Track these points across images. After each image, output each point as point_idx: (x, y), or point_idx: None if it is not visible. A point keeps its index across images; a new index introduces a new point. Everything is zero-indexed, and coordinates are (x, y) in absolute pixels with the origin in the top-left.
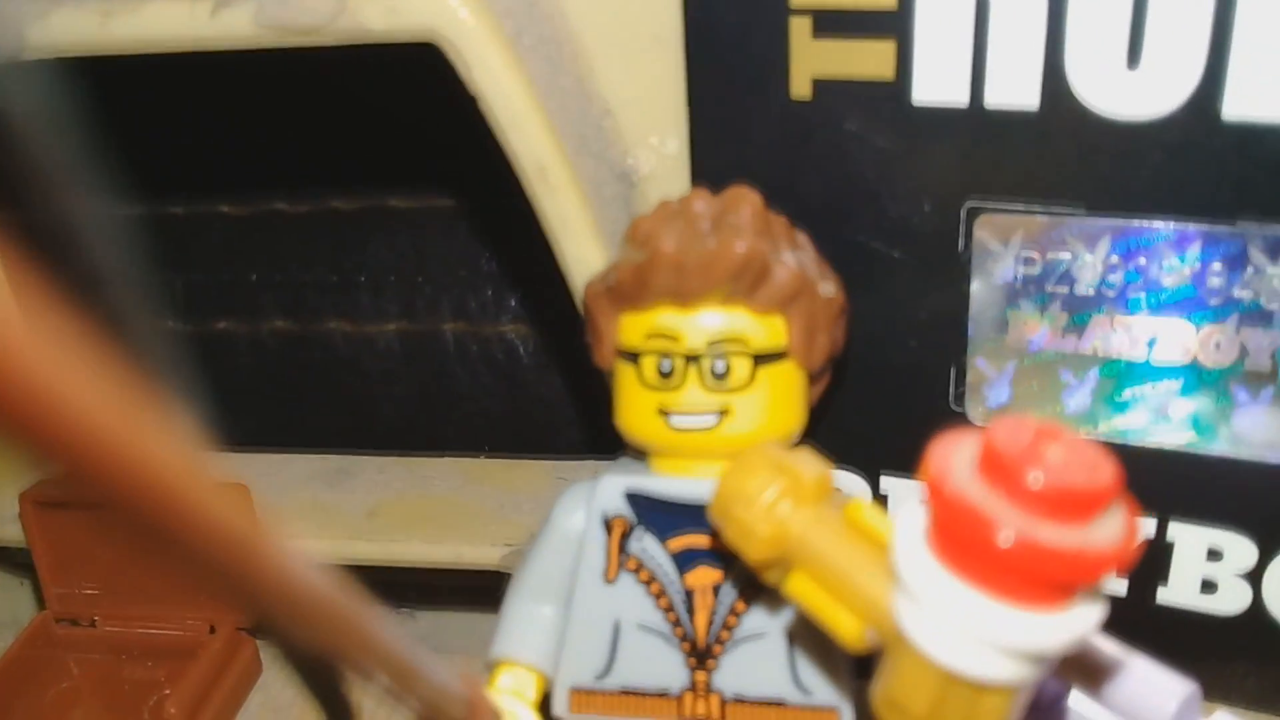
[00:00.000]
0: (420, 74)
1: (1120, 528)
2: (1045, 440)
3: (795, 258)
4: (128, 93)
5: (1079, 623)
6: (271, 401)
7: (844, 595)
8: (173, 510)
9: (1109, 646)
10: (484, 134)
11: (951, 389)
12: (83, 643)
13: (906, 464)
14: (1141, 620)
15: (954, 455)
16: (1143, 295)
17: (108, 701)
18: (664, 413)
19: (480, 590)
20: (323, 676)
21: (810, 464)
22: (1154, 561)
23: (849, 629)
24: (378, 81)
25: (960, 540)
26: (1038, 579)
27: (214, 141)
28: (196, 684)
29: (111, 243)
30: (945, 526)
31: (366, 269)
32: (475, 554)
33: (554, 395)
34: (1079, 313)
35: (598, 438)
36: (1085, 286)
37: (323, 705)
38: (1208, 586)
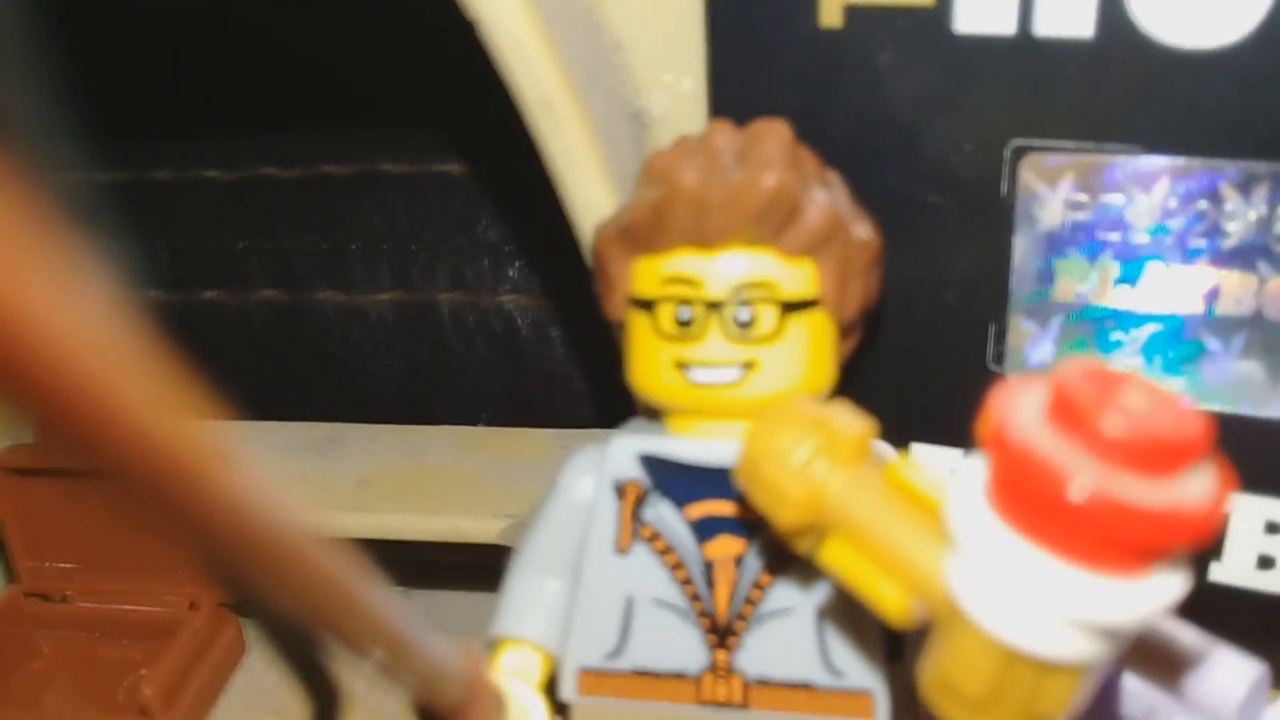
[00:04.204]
0: (415, 26)
1: (1210, 486)
2: (1123, 385)
3: (828, 196)
4: (109, 51)
5: (1160, 594)
6: (259, 374)
7: (888, 564)
8: (156, 459)
9: (1170, 625)
10: (483, 92)
11: (990, 348)
12: (55, 619)
13: (940, 432)
14: (1193, 599)
15: (1019, 402)
16: (1204, 243)
17: (81, 682)
18: (682, 366)
19: (479, 566)
20: (310, 656)
21: (848, 419)
22: None
23: (893, 602)
24: (371, 36)
25: (1027, 496)
26: (1115, 541)
27: (200, 103)
28: (176, 664)
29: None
30: (1009, 481)
31: (359, 237)
32: (474, 526)
33: (555, 369)
34: (1132, 262)
35: (601, 412)
36: (1140, 233)
37: (309, 687)
38: (1265, 563)
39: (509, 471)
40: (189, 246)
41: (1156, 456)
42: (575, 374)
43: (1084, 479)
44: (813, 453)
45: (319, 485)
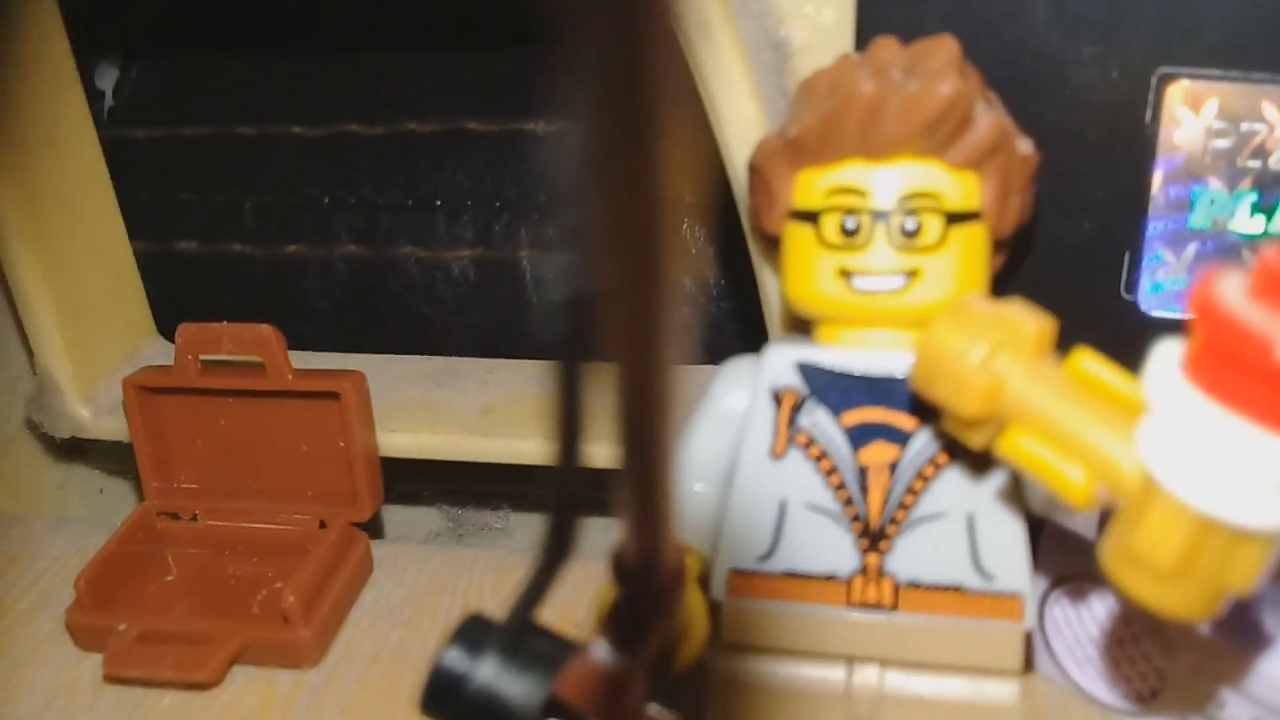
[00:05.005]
0: None
1: None
2: None
3: (993, 111)
4: (193, 9)
5: None
6: (342, 327)
7: (1072, 448)
8: None
9: None
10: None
11: (1124, 276)
12: (184, 537)
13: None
14: None
15: (1223, 281)
16: None
17: (213, 595)
18: (846, 275)
19: (604, 489)
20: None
21: (1027, 315)
22: None
23: (1078, 485)
24: None
25: (1231, 364)
26: None
27: (285, 59)
28: (312, 576)
29: None
30: (1214, 351)
31: (442, 193)
32: (599, 451)
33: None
34: (1272, 190)
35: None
36: (1279, 161)
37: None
38: None
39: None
40: (274, 201)
41: None
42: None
43: None
44: (993, 347)
45: (444, 412)
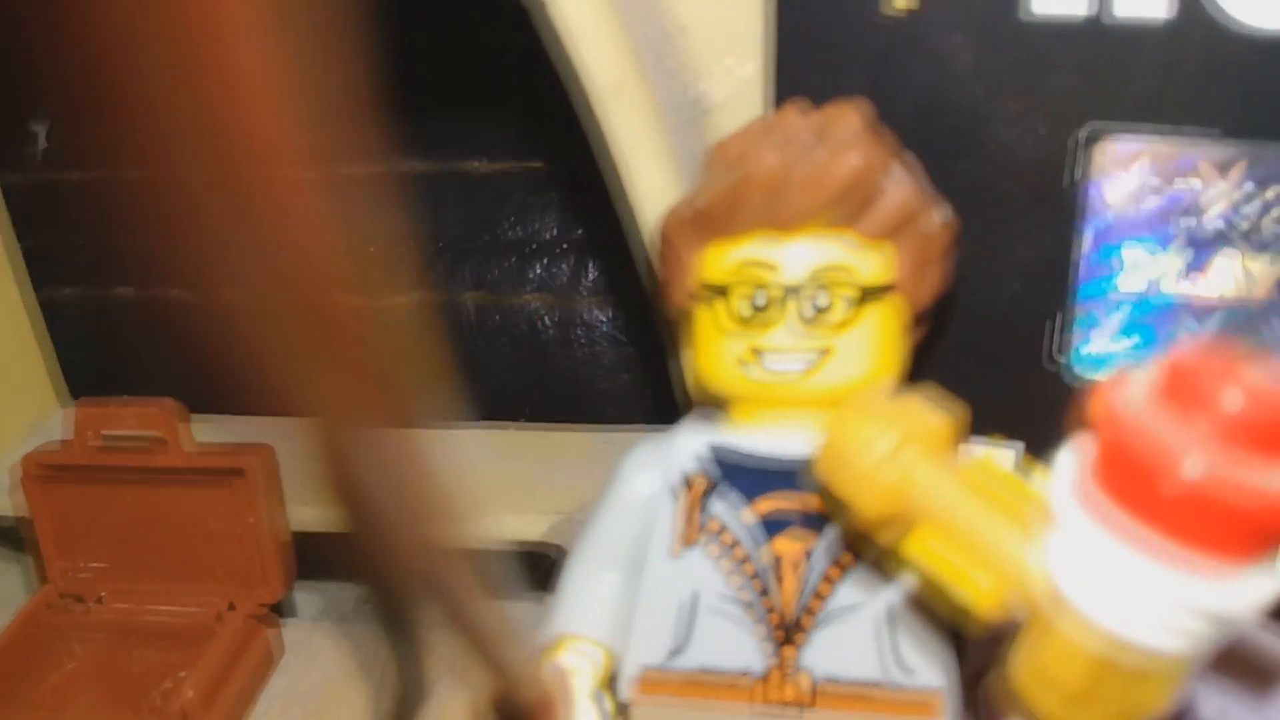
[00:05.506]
0: (441, 22)
1: None
2: (1241, 363)
3: (907, 178)
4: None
5: (1271, 585)
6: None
7: (979, 554)
8: None
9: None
10: (507, 90)
11: (1055, 339)
12: (87, 623)
13: (999, 426)
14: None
15: (1128, 382)
16: (1277, 230)
17: (114, 686)
18: (754, 354)
19: (524, 565)
20: (404, 632)
21: (934, 408)
22: None
23: (984, 593)
24: (399, 28)
25: (1136, 477)
26: (1228, 524)
27: None
28: (214, 666)
29: None
30: (1117, 462)
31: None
32: (520, 525)
33: (579, 369)
34: (1204, 250)
35: (645, 411)
36: (1214, 220)
37: (398, 661)
38: None
39: (555, 469)
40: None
41: (1275, 436)
42: (600, 373)
43: (1197, 457)
44: (899, 441)
45: None
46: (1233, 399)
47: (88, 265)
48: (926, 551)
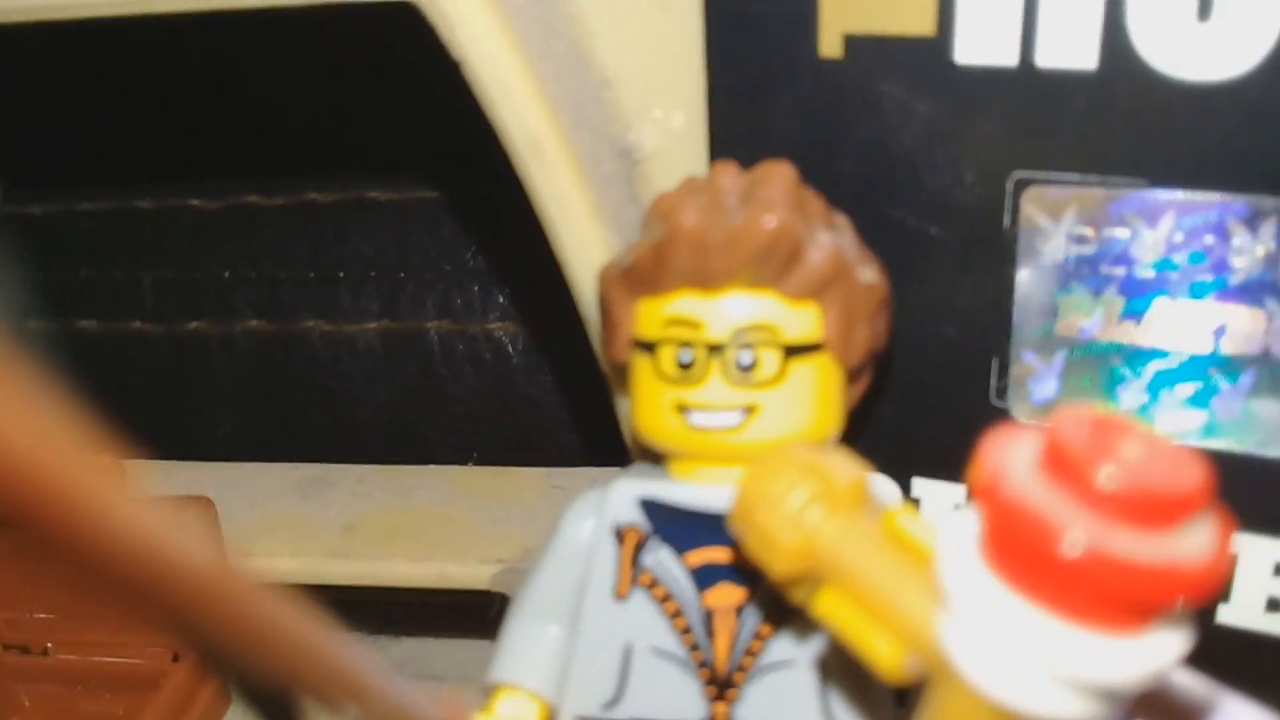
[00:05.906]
0: (399, 48)
1: (1210, 540)
2: (1120, 435)
3: (832, 239)
4: (88, 80)
5: (1159, 654)
6: (245, 406)
7: (882, 616)
8: (90, 531)
9: (1185, 679)
10: (468, 117)
11: (993, 382)
12: (34, 672)
13: (942, 467)
14: (1200, 643)
15: (1011, 451)
16: (1210, 279)
17: None
18: (682, 410)
19: (470, 612)
20: (282, 709)
21: (844, 466)
22: None
23: (887, 655)
24: (354, 62)
25: (1019, 550)
26: (1111, 597)
27: (183, 131)
28: (161, 716)
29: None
30: (1001, 534)
31: (346, 265)
32: (464, 572)
33: (547, 398)
34: (1137, 297)
35: (595, 444)
36: (1145, 268)
37: None
38: (1275, 605)
39: (500, 514)
40: (173, 277)
41: (1153, 509)
42: (569, 403)
43: (1077, 533)
44: (807, 499)
45: (306, 530)
46: (1108, 475)
47: None
48: (834, 611)
